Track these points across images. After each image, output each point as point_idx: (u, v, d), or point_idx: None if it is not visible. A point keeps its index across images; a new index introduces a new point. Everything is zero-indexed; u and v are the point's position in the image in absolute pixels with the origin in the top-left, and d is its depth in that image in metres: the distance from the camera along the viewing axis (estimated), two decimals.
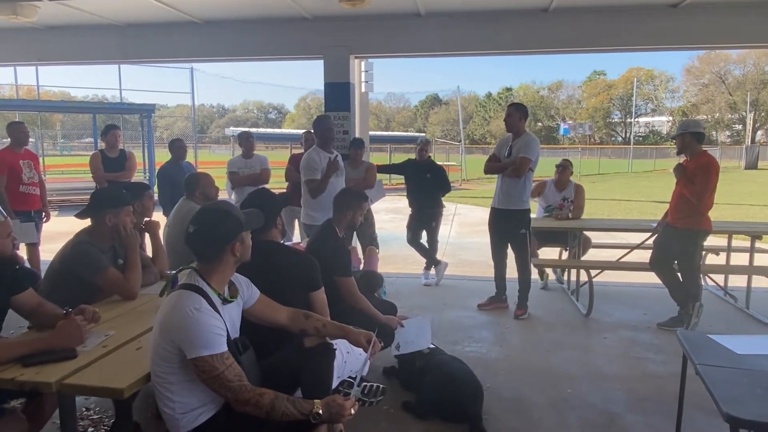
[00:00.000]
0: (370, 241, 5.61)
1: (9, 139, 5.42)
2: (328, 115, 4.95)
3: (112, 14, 6.09)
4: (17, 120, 5.93)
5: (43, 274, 3.04)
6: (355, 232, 5.51)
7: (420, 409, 3.00)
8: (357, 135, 6.34)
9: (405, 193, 6.16)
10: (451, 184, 6.19)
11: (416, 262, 6.38)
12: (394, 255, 5.99)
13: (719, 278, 5.51)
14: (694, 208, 4.25)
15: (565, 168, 5.82)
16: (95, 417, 2.98)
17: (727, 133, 52.57)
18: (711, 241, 4.75)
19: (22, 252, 5.05)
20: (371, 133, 6.77)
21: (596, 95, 58.06)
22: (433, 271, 5.98)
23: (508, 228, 4.82)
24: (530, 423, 2.98)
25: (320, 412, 1.86)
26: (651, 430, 2.91)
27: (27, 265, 5.05)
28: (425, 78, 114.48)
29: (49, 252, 3.90)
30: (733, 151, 39.63)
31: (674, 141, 4.48)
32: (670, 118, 55.53)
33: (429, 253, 5.98)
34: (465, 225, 10.66)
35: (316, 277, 2.71)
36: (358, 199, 3.58)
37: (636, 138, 49.03)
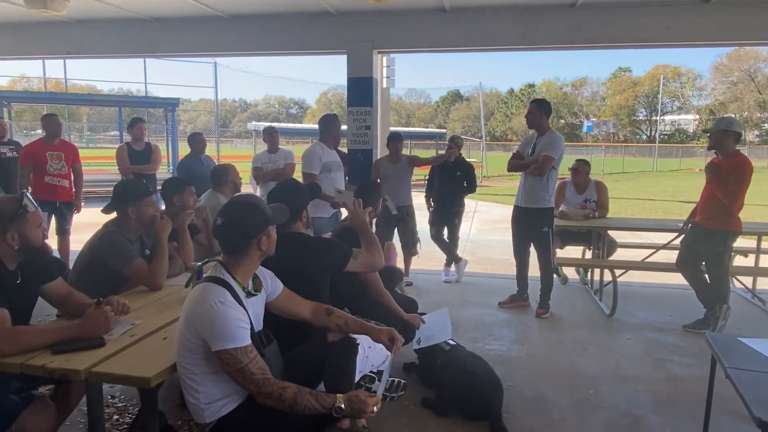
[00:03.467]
0: (411, 236, 5.65)
1: (40, 131, 5.56)
2: (335, 114, 5.12)
3: (139, 8, 6.17)
4: (50, 113, 6.07)
5: (71, 265, 3.10)
6: (396, 228, 5.56)
7: (440, 406, 3.00)
8: (378, 131, 6.34)
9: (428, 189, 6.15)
10: None
11: (436, 259, 6.36)
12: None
13: (747, 280, 5.39)
14: (725, 208, 4.15)
15: (578, 171, 5.63)
16: (120, 405, 3.03)
17: (756, 132, 51.35)
18: (739, 242, 4.64)
19: (52, 242, 5.15)
20: (391, 128, 6.77)
21: (621, 92, 57.14)
22: (453, 267, 5.96)
23: (530, 226, 4.78)
24: (551, 423, 2.95)
25: (342, 406, 1.86)
26: None
27: (56, 254, 5.16)
28: (446, 74, 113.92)
29: (77, 243, 3.97)
30: (762, 151, 38.81)
31: (708, 135, 4.34)
32: (697, 116, 54.45)
33: (450, 250, 5.97)
34: (486, 222, 10.59)
35: (340, 253, 2.72)
36: (377, 193, 3.67)
37: (661, 136, 48.20)
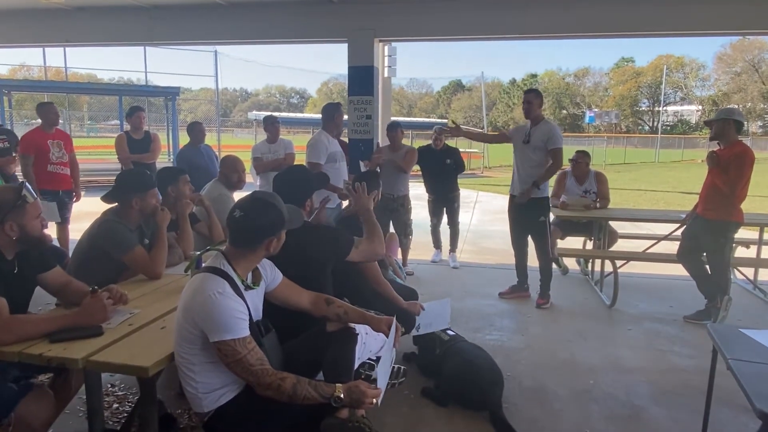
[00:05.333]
0: (404, 227, 5.65)
1: (40, 120, 5.52)
2: (339, 103, 5.06)
3: None
4: (47, 101, 6.02)
5: (71, 253, 3.09)
6: (391, 220, 5.54)
7: (440, 396, 3.00)
8: (379, 120, 6.30)
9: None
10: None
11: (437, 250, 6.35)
12: (416, 242, 5.98)
13: (749, 271, 5.37)
14: (726, 199, 4.12)
15: (578, 162, 5.59)
16: (120, 393, 3.04)
17: (759, 123, 51.06)
18: (741, 233, 4.62)
19: (51, 231, 5.15)
20: (393, 118, 6.72)
21: (624, 83, 56.82)
22: (447, 256, 6.04)
23: (527, 216, 4.75)
24: (551, 413, 2.95)
25: (341, 396, 1.86)
26: (676, 424, 2.86)
27: (56, 243, 5.16)
28: (448, 63, 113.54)
29: (76, 231, 3.96)
30: (765, 142, 38.61)
31: (710, 125, 4.31)
32: (700, 107, 54.18)
33: (451, 239, 6.08)
34: (487, 212, 10.57)
35: (343, 243, 2.71)
36: (377, 181, 3.61)
37: (664, 127, 47.94)
